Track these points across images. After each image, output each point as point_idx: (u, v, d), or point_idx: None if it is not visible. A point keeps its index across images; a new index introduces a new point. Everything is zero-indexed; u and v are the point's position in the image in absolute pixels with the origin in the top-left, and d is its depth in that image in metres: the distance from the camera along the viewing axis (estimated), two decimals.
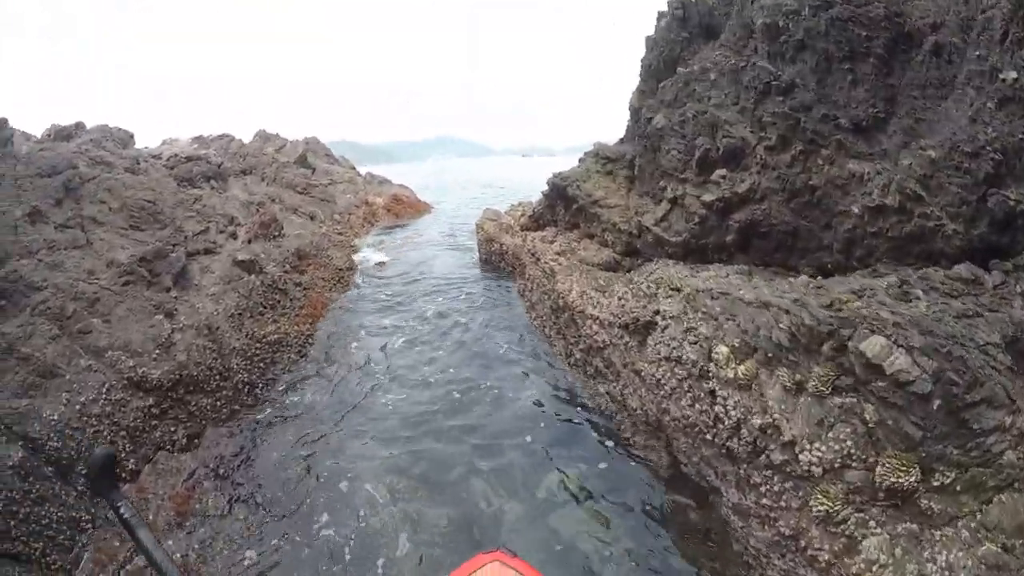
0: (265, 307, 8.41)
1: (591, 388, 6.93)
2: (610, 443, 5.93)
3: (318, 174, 20.13)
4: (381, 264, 13.43)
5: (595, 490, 5.21)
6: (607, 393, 6.56)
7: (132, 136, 12.35)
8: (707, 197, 6.96)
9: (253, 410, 6.68)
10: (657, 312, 5.87)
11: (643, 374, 5.70)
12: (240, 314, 7.66)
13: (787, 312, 4.37)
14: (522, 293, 10.50)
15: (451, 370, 7.90)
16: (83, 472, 4.55)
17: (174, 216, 8.47)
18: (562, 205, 11.13)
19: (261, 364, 7.46)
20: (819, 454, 3.75)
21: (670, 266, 7.24)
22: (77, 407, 4.92)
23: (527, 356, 8.31)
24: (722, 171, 6.94)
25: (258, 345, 7.56)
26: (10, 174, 6.86)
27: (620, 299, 6.66)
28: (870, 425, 3.65)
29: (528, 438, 6.10)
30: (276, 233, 11.18)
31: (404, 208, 21.83)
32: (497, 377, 7.62)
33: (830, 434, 3.78)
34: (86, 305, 5.59)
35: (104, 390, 5.19)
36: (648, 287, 6.49)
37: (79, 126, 11.44)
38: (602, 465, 5.61)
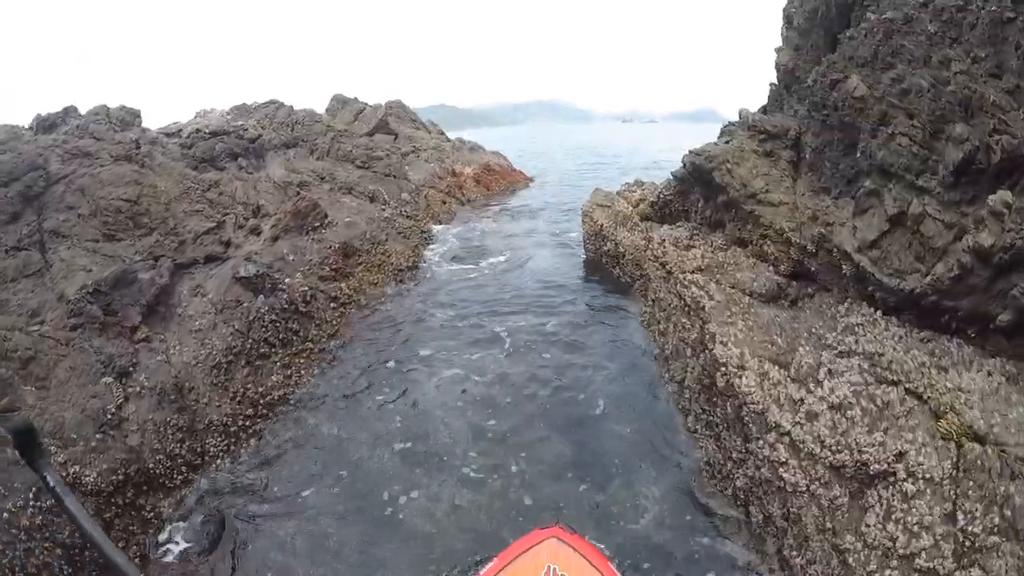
0: (273, 345, 6.41)
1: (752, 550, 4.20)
2: None
3: (400, 140, 18.72)
4: (457, 259, 11.40)
5: None
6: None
7: (138, 114, 10.92)
8: (984, 239, 4.18)
9: (233, 504, 4.74)
10: (900, 456, 3.34)
11: (850, 559, 3.21)
12: (231, 362, 5.71)
13: None
14: (647, 325, 8.06)
15: (523, 494, 4.81)
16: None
17: (171, 213, 6.84)
18: (700, 194, 8.51)
19: (250, 442, 5.34)
20: None
21: (888, 340, 4.63)
22: (4, 516, 3.49)
23: (655, 462, 5.17)
24: (1006, 196, 4.16)
25: (250, 410, 5.56)
26: None
27: (831, 403, 4.09)
28: None
29: None
30: (317, 223, 9.37)
31: (497, 179, 19.66)
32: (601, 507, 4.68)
33: None
34: (18, 366, 3.93)
35: (32, 495, 3.64)
36: (866, 375, 3.94)
37: (68, 111, 10.02)
38: None
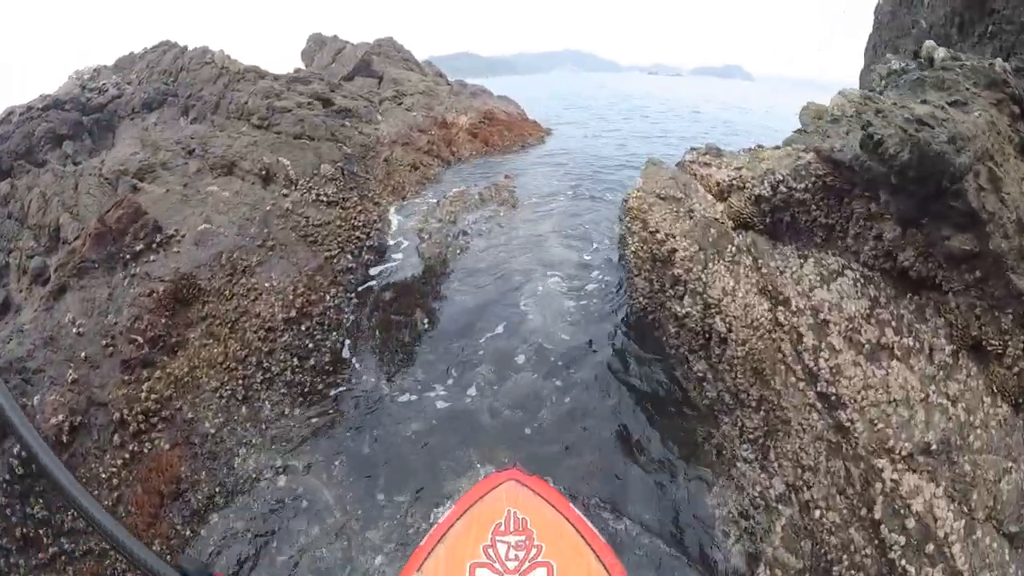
0: None
1: None
2: None
3: (384, 84, 14.64)
4: (395, 305, 6.75)
5: None
6: None
7: None
8: None
9: None
10: None
11: None
12: None
13: None
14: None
15: None
16: None
17: None
18: (884, 205, 3.85)
19: None
20: None
21: None
22: None
23: None
24: None
25: None
26: None
27: None
28: None
29: None
30: (140, 246, 5.31)
31: (500, 132, 14.80)
32: None
33: None
34: None
35: None
36: None
37: None
38: None
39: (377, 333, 6.29)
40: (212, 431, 5.27)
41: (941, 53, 4.56)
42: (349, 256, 7.39)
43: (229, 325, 6.06)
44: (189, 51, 11.08)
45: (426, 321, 6.22)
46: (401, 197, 9.71)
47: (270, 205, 7.40)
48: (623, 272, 6.53)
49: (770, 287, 4.45)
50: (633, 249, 5.37)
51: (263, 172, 7.75)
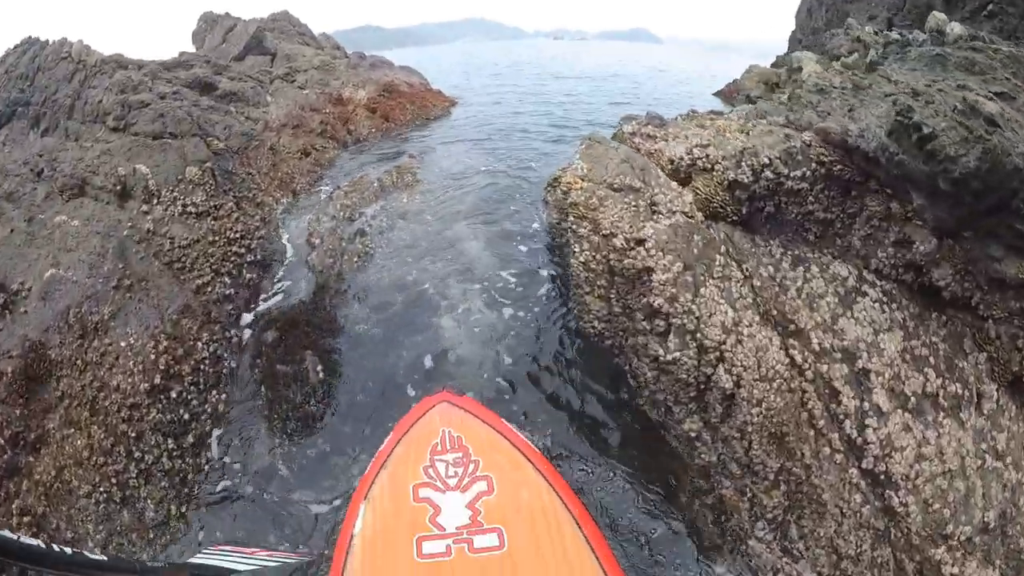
0: None
1: None
2: None
3: (278, 61, 12.77)
4: (292, 317, 5.45)
5: None
6: None
7: None
8: None
9: None
10: None
11: None
12: None
13: None
14: None
15: None
16: None
17: None
18: (918, 209, 2.94)
19: None
20: None
21: None
22: None
23: None
24: None
25: None
26: None
27: None
28: None
29: None
30: None
31: (402, 105, 13.10)
32: None
33: None
34: None
35: None
36: None
37: None
38: None
39: (263, 390, 4.80)
40: (98, 551, 3.79)
41: (956, 29, 3.72)
42: (226, 279, 5.78)
43: (88, 406, 4.77)
44: (49, 47, 8.64)
45: (320, 369, 4.77)
46: (291, 191, 8.01)
47: (127, 229, 5.77)
48: (561, 281, 5.38)
49: (774, 311, 3.45)
50: (582, 259, 4.19)
51: (118, 187, 5.99)
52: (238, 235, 6.14)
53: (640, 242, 3.83)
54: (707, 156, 4.50)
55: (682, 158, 4.63)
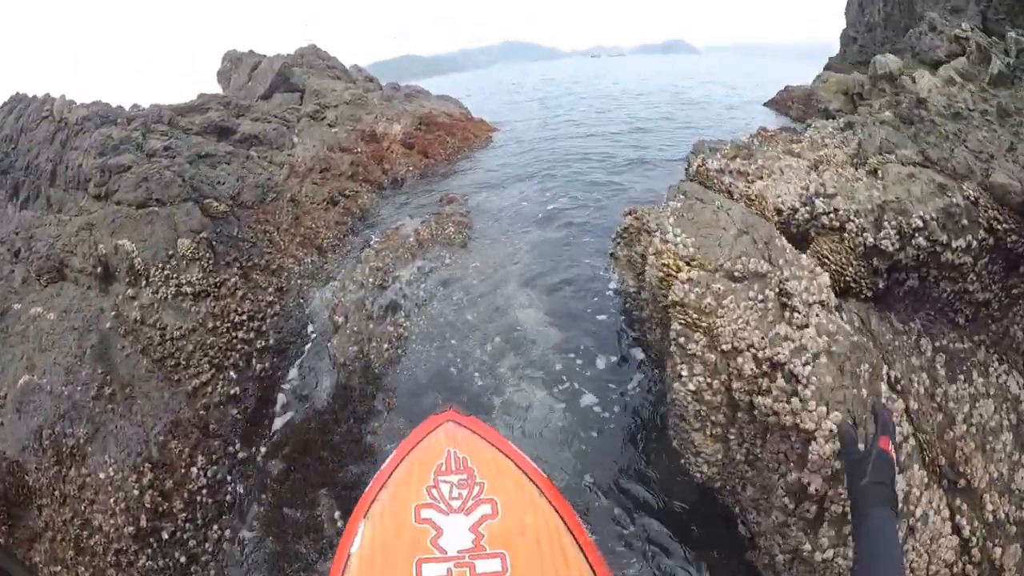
0: None
1: None
2: None
3: (307, 97, 11.98)
4: (306, 432, 4.35)
5: None
6: None
7: None
8: None
9: None
10: None
11: None
12: None
13: None
14: None
15: None
16: None
17: None
18: None
19: None
20: None
21: None
22: None
23: None
24: None
25: None
26: None
27: None
28: None
29: None
30: None
31: (441, 138, 12.16)
32: None
33: None
34: None
35: None
36: None
37: None
38: None
39: (268, 542, 3.68)
40: None
41: None
42: (231, 374, 4.79)
43: (72, 545, 3.98)
44: (32, 104, 8.02)
45: (339, 516, 3.61)
46: (316, 248, 7.06)
47: (110, 319, 4.87)
48: (647, 366, 4.10)
49: (941, 457, 2.21)
50: (691, 387, 2.87)
51: (99, 268, 5.10)
52: (245, 317, 5.13)
53: (777, 367, 2.51)
54: (835, 210, 3.16)
55: (795, 208, 3.32)
